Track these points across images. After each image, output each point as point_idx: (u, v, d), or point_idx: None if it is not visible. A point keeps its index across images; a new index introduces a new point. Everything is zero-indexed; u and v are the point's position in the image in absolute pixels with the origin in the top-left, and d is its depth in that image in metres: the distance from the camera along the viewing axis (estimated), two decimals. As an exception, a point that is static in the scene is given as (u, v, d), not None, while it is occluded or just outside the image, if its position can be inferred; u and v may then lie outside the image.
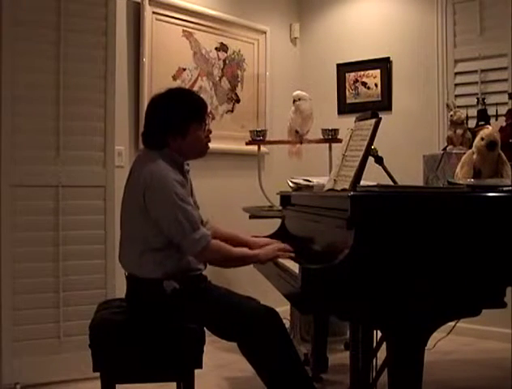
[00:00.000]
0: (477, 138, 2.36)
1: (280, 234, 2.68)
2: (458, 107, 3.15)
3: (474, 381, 3.18)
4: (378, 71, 4.42)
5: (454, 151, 2.71)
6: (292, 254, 2.20)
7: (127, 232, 2.28)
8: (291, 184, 2.87)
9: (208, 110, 2.39)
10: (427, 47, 4.20)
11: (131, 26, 3.65)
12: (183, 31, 3.94)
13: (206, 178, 3.64)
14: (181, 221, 2.11)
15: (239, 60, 4.34)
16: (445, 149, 2.89)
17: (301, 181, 2.79)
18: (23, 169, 2.98)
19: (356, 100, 4.52)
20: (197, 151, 2.34)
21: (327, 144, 3.72)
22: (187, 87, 3.91)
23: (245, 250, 2.32)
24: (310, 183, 2.72)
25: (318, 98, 4.33)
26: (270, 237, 2.62)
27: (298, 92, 3.81)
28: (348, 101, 4.57)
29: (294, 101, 3.75)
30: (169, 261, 2.18)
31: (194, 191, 2.43)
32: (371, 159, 2.28)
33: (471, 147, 2.50)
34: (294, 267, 1.97)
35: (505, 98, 3.59)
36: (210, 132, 2.35)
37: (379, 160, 2.44)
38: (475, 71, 3.98)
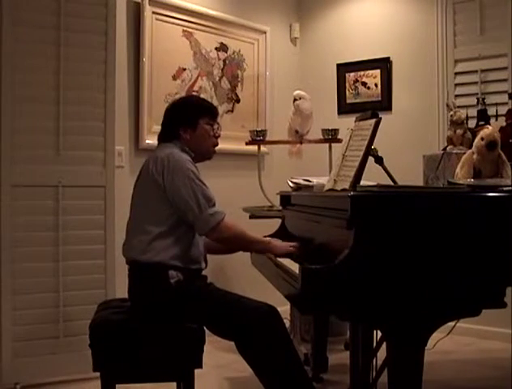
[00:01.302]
0: (477, 139, 2.36)
1: (280, 234, 2.68)
2: (458, 107, 3.14)
3: (474, 381, 3.18)
4: (378, 71, 4.42)
5: (454, 151, 2.71)
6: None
7: (139, 219, 2.32)
8: (291, 184, 2.87)
9: (218, 115, 2.55)
10: (427, 47, 4.20)
11: (131, 26, 3.65)
12: (183, 31, 3.94)
13: (206, 178, 3.62)
14: (197, 197, 2.22)
15: (239, 60, 4.34)
16: (445, 149, 2.89)
17: (301, 181, 2.79)
18: (23, 169, 2.98)
19: (356, 100, 4.52)
20: (204, 149, 2.45)
21: (327, 144, 3.72)
22: (187, 87, 3.92)
23: (258, 235, 2.38)
24: (310, 183, 2.72)
25: (318, 98, 4.33)
26: (270, 236, 2.62)
27: (298, 92, 3.81)
28: (348, 101, 4.57)
29: (294, 100, 3.75)
30: (177, 245, 2.24)
31: None
32: (371, 159, 2.28)
33: (471, 147, 2.50)
34: (294, 267, 1.97)
35: (505, 98, 3.59)
36: (218, 135, 2.50)
37: (379, 160, 2.44)
38: (475, 71, 3.98)
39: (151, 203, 2.28)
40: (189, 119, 2.41)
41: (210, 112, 2.47)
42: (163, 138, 2.46)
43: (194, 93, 3.92)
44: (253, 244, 2.35)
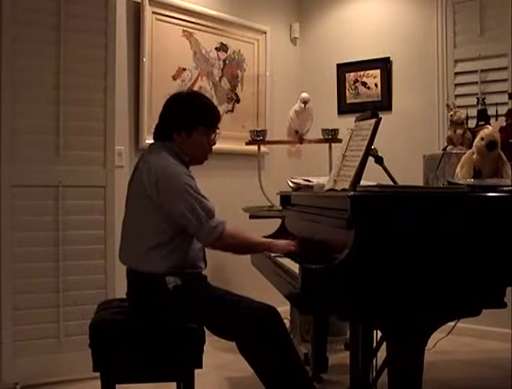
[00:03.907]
0: (477, 138, 2.36)
1: (280, 234, 2.68)
2: (458, 107, 3.14)
3: (474, 381, 3.18)
4: (378, 71, 4.42)
5: (454, 151, 2.71)
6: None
7: (134, 227, 2.29)
8: (291, 184, 2.87)
9: (219, 122, 2.43)
10: (427, 47, 4.20)
11: (131, 26, 3.65)
12: (183, 31, 3.94)
13: (206, 178, 3.62)
14: (197, 211, 2.16)
15: (239, 60, 4.34)
16: (445, 149, 2.89)
17: (301, 181, 2.79)
18: (23, 169, 2.98)
19: (356, 100, 4.52)
20: (195, 156, 2.37)
21: (327, 144, 3.72)
22: (187, 87, 3.92)
23: (259, 237, 2.37)
24: (310, 183, 2.72)
25: (318, 98, 4.33)
26: (270, 236, 2.62)
27: (307, 94, 3.78)
28: (348, 101, 4.57)
29: (305, 103, 3.71)
30: (174, 255, 2.21)
31: None
32: (371, 159, 2.28)
33: (471, 147, 2.50)
34: (294, 267, 1.97)
35: (505, 98, 3.59)
36: (214, 144, 2.41)
37: (379, 160, 2.44)
38: (475, 71, 3.98)
39: (146, 214, 2.22)
40: (186, 124, 2.30)
41: (210, 121, 2.35)
42: (157, 134, 2.38)
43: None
44: (255, 247, 2.35)
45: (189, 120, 2.32)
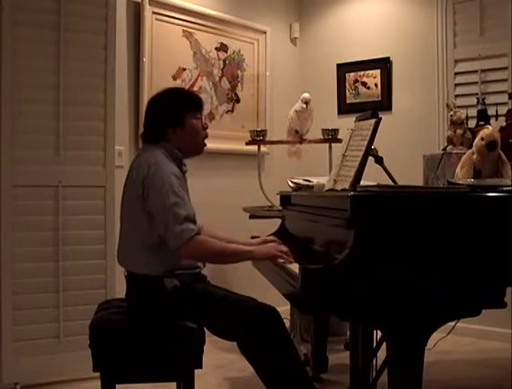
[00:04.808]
0: (477, 138, 2.36)
1: (280, 234, 2.68)
2: (458, 107, 3.15)
3: (474, 381, 3.18)
4: (378, 71, 4.42)
5: (454, 151, 2.71)
6: (291, 259, 2.13)
7: (127, 229, 2.29)
8: (291, 184, 2.88)
9: (203, 105, 2.43)
10: (427, 47, 4.20)
11: (131, 26, 3.65)
12: (183, 31, 3.94)
13: (206, 178, 3.64)
14: (166, 213, 2.12)
15: (239, 60, 4.34)
16: (445, 149, 2.89)
17: (301, 181, 2.79)
18: (23, 169, 2.97)
19: (356, 100, 4.52)
20: (195, 145, 2.36)
21: (327, 144, 3.72)
22: (187, 87, 3.91)
23: (237, 246, 2.30)
24: (310, 183, 2.72)
25: (318, 98, 4.33)
26: (270, 236, 2.62)
27: (308, 95, 3.78)
28: (348, 101, 4.57)
29: (306, 103, 3.71)
30: (169, 258, 2.19)
31: (189, 194, 2.42)
32: (371, 159, 2.28)
33: (471, 147, 2.50)
34: (294, 267, 1.97)
35: (505, 98, 3.59)
36: (207, 126, 2.40)
37: (379, 160, 2.44)
38: (475, 71, 3.98)
39: (138, 215, 2.20)
40: (176, 118, 2.30)
41: (194, 105, 2.34)
42: (149, 138, 2.35)
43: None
44: (230, 257, 2.25)
45: (177, 112, 2.31)
